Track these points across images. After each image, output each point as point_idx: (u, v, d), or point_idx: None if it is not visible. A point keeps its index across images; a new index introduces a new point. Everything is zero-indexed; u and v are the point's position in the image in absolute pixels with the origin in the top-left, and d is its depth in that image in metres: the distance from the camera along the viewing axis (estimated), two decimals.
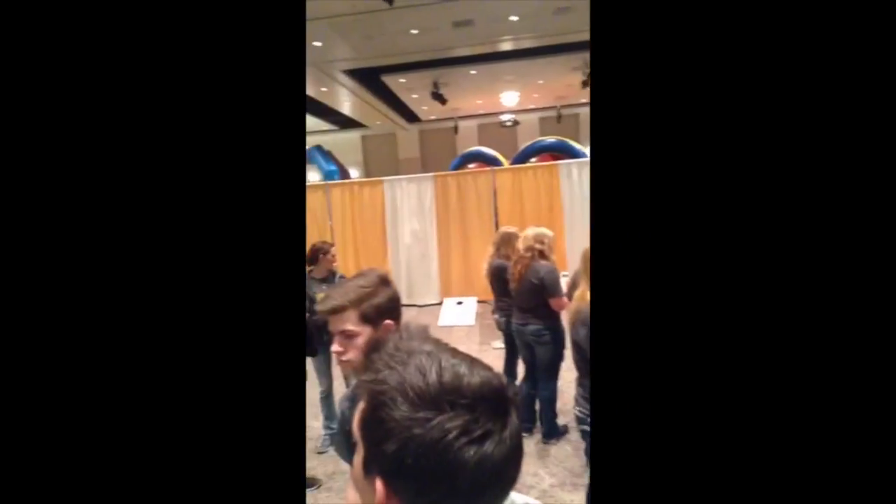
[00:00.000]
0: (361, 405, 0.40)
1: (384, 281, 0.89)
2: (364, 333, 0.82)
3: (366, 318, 0.83)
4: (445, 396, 0.36)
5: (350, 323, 0.82)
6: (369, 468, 0.39)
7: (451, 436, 0.34)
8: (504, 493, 0.38)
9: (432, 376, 0.37)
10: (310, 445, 2.83)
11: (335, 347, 0.85)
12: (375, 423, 0.38)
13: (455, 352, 0.41)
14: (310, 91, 9.55)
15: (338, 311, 0.83)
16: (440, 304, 5.85)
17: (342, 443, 0.98)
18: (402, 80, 9.19)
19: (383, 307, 0.85)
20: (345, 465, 2.58)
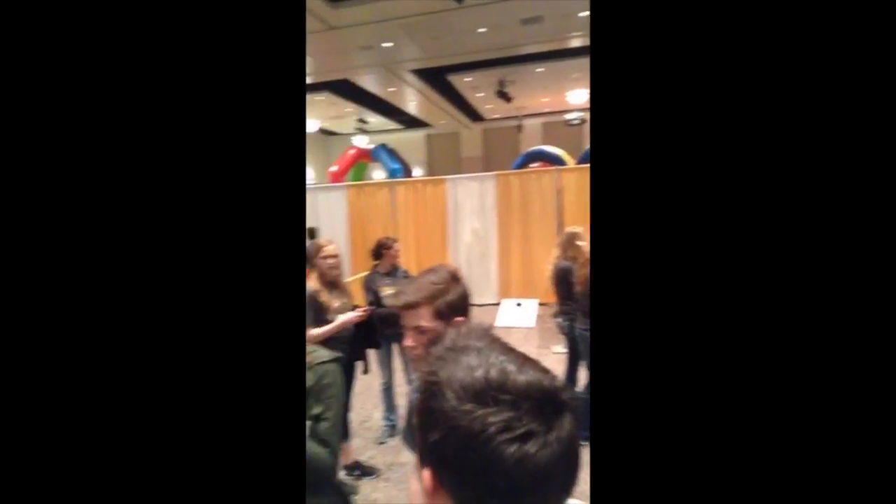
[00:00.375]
0: (419, 395, 0.41)
1: (455, 277, 0.89)
2: (436, 330, 0.83)
3: (439, 315, 0.83)
4: (489, 392, 0.36)
5: (423, 319, 0.83)
6: (421, 458, 0.40)
7: (490, 430, 0.34)
8: (551, 499, 0.37)
9: (479, 371, 0.38)
10: (370, 435, 2.92)
11: (408, 342, 0.86)
12: (426, 413, 0.39)
13: (508, 349, 0.41)
14: (378, 91, 9.84)
15: (411, 306, 0.84)
16: (498, 304, 5.81)
17: (409, 433, 1.00)
18: (468, 79, 9.21)
19: (455, 304, 0.85)
20: (404, 457, 2.64)
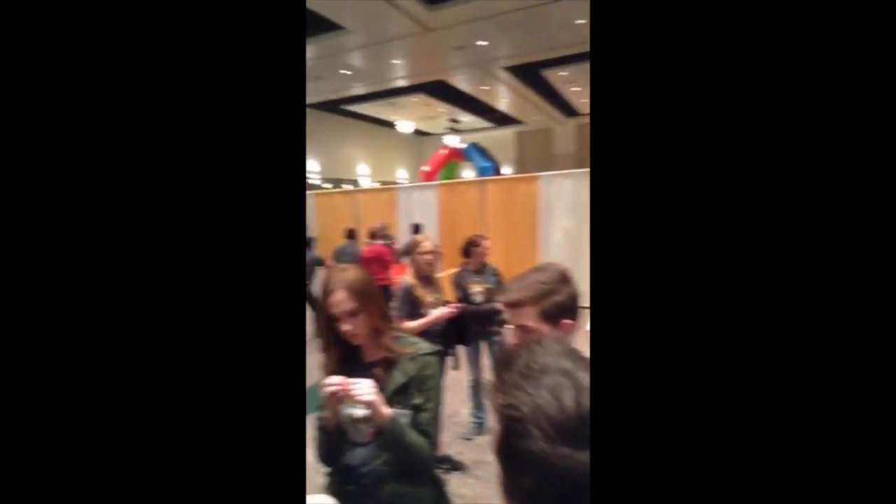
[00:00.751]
0: (495, 428, 0.36)
1: (565, 278, 0.85)
2: (542, 331, 0.80)
3: (546, 316, 0.80)
4: (587, 429, 0.31)
5: (530, 319, 0.81)
6: (509, 496, 0.35)
7: None
8: None
9: (568, 401, 0.32)
10: (458, 431, 2.95)
11: (512, 340, 0.84)
12: (510, 452, 0.34)
13: None
14: (470, 90, 9.92)
15: (516, 304, 0.82)
16: (589, 308, 5.55)
17: None
18: (563, 74, 8.93)
19: (564, 306, 0.82)
20: (491, 455, 2.63)
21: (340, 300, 1.01)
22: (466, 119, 12.55)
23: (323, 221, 7.35)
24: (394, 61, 8.04)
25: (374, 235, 5.28)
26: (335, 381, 0.93)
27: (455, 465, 2.54)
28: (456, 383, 3.23)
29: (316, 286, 5.23)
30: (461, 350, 2.76)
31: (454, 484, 2.42)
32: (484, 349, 2.85)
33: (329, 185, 11.82)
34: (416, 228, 5.87)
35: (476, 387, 2.90)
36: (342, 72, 8.34)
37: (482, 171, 8.74)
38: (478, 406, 2.93)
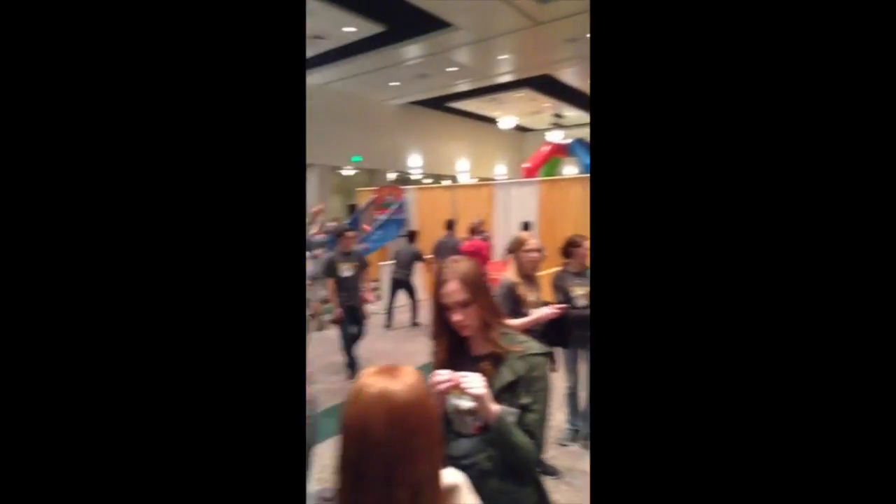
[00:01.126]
0: None
1: None
2: None
3: None
4: None
5: None
6: None
7: None
8: None
9: None
10: (553, 435, 2.87)
11: None
12: None
13: None
14: (578, 84, 9.53)
15: None
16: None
17: None
18: None
19: None
20: (583, 464, 2.52)
21: (453, 290, 1.02)
22: (572, 114, 12.10)
23: (423, 215, 7.59)
24: (500, 57, 8.01)
25: (473, 231, 5.34)
26: (444, 376, 0.95)
27: (547, 470, 2.48)
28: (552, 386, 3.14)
29: (416, 279, 5.43)
30: (559, 353, 2.67)
31: (546, 488, 2.36)
32: (582, 355, 2.73)
33: (430, 181, 12.18)
34: (526, 226, 5.80)
35: (573, 394, 2.80)
36: (449, 70, 8.51)
37: (587, 168, 8.36)
38: (573, 413, 2.83)
